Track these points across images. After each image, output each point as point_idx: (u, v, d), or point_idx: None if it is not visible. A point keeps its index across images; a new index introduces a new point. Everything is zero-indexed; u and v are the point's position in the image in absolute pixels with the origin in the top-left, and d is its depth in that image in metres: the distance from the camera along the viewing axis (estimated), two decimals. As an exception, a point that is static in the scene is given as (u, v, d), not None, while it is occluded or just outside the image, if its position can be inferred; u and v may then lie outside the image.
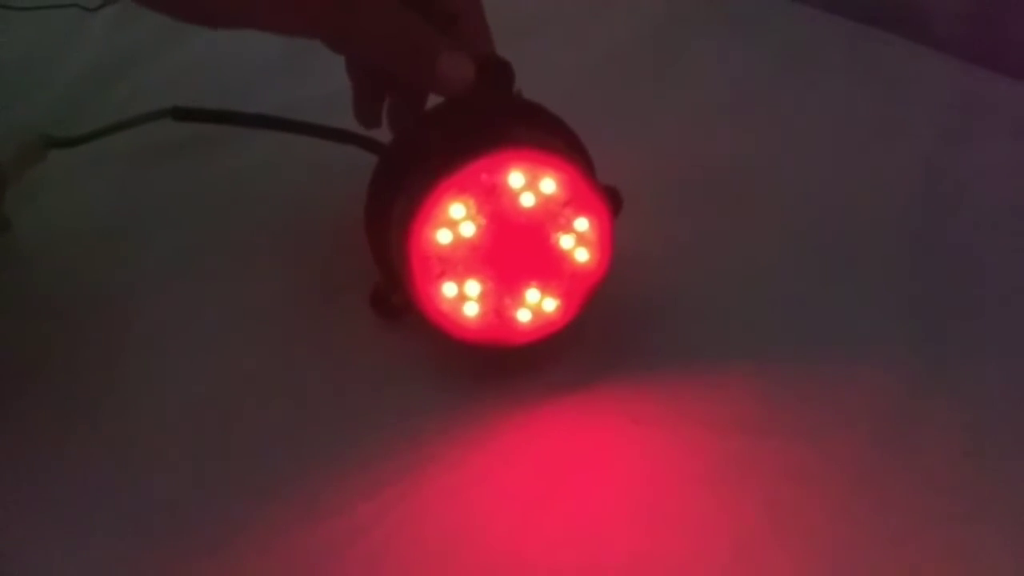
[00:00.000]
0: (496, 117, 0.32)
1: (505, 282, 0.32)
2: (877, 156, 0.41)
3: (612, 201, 0.33)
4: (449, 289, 0.32)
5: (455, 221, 0.31)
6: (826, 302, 0.35)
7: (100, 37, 0.51)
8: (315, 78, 0.43)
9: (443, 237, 0.31)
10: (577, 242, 0.32)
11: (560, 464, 0.30)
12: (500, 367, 0.33)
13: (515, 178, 0.30)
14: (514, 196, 0.31)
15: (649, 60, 0.48)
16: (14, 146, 0.39)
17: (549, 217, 0.31)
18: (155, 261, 0.39)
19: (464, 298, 0.32)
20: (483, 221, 0.31)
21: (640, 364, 0.33)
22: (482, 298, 0.32)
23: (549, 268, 0.32)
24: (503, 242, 0.31)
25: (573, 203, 0.31)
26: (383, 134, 0.39)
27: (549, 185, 0.31)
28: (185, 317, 0.36)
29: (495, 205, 0.31)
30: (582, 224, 0.32)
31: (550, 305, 0.33)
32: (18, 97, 0.36)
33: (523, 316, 0.33)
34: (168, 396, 0.33)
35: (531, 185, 0.31)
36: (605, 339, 0.34)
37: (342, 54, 0.36)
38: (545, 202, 0.31)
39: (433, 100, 0.35)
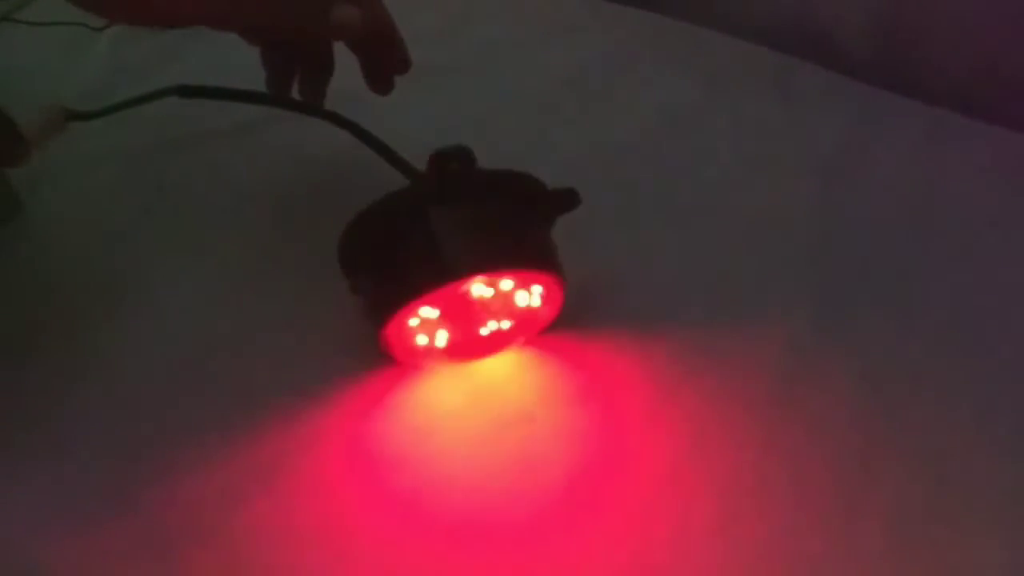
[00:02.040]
0: (456, 229, 0.33)
1: (470, 324, 0.37)
2: (786, 161, 0.46)
3: (570, 200, 0.36)
4: (421, 340, 0.37)
5: (422, 316, 0.34)
6: (739, 278, 0.41)
7: (104, 54, 0.53)
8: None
9: (412, 322, 0.35)
10: (531, 297, 0.36)
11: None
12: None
13: (476, 288, 0.34)
14: (470, 291, 0.34)
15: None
16: (37, 116, 0.40)
17: (507, 292, 0.35)
18: (154, 242, 0.42)
19: (433, 341, 0.37)
20: (444, 309, 0.35)
21: (579, 330, 0.38)
22: (450, 338, 0.37)
23: (507, 312, 0.37)
24: (466, 307, 0.36)
25: (529, 282, 0.35)
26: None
27: (507, 283, 0.34)
28: (177, 289, 0.40)
29: (456, 295, 0.34)
30: (536, 288, 0.36)
31: (506, 324, 0.38)
32: (21, 109, 0.35)
33: (485, 332, 0.38)
34: (153, 354, 0.38)
35: (491, 284, 0.34)
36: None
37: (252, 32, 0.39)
38: (502, 291, 0.35)
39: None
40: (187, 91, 0.40)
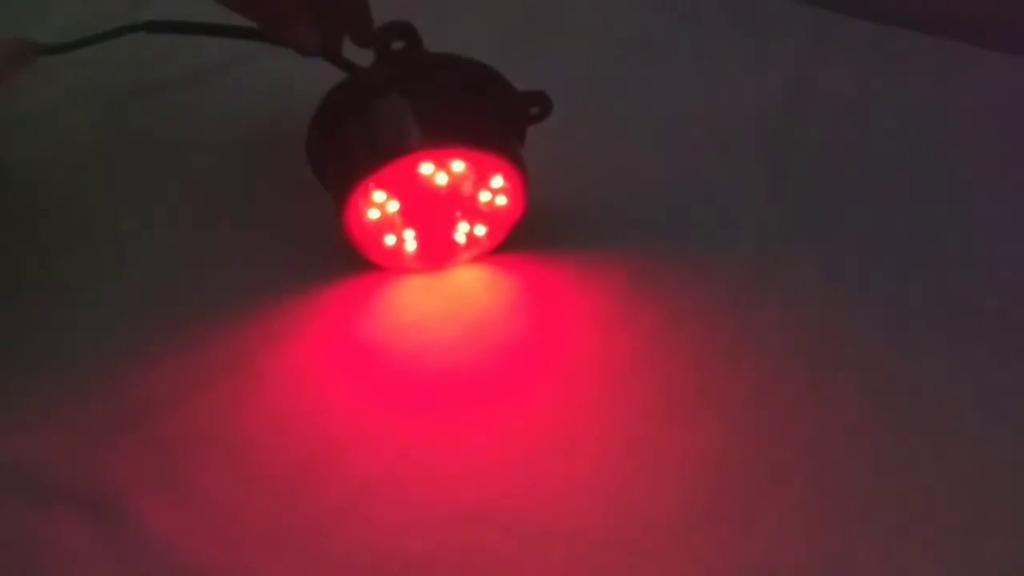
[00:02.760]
0: (403, 102, 0.34)
1: (437, 224, 0.37)
2: (745, 81, 0.47)
3: (541, 105, 0.36)
4: (389, 240, 0.37)
5: (380, 203, 0.35)
6: (706, 189, 0.42)
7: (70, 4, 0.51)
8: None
9: (372, 214, 0.36)
10: (494, 194, 0.36)
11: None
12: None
13: (425, 167, 0.34)
14: (428, 177, 0.35)
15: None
16: (3, 49, 0.40)
17: (465, 181, 0.35)
18: (128, 176, 0.43)
19: (403, 242, 0.38)
20: (404, 198, 0.35)
21: (555, 239, 0.39)
22: (419, 238, 0.38)
23: (474, 212, 0.37)
24: (429, 202, 0.36)
25: (484, 168, 0.35)
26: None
27: (459, 166, 0.34)
28: (160, 224, 0.41)
29: (412, 184, 0.35)
30: (497, 181, 0.36)
31: (480, 230, 0.38)
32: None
33: (459, 238, 0.38)
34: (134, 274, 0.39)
35: (441, 167, 0.34)
36: (523, 223, 0.38)
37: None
38: (457, 176, 0.35)
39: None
40: (155, 26, 0.42)
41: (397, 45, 0.33)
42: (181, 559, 0.30)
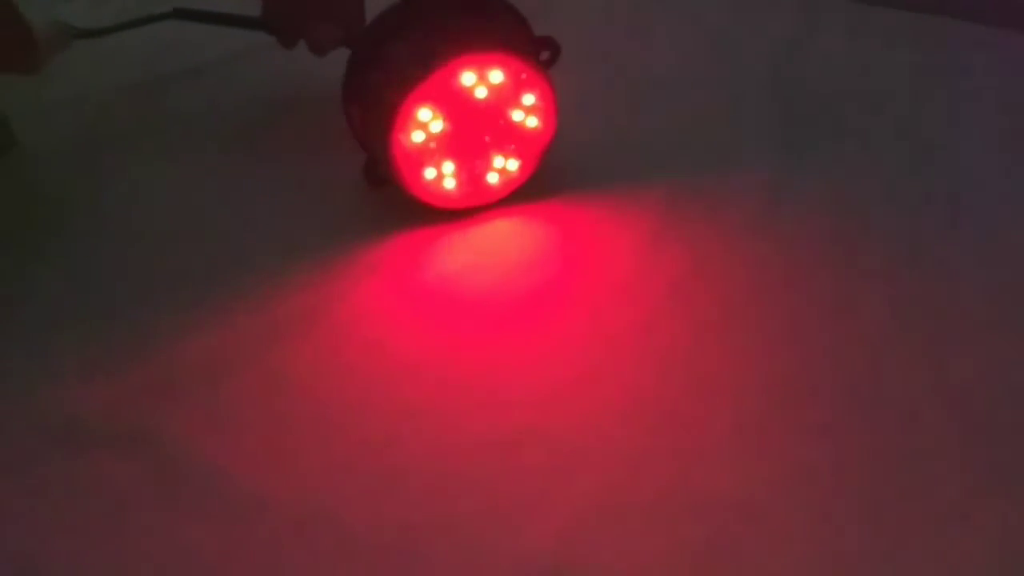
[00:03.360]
0: (444, 20, 0.36)
1: (473, 156, 0.39)
2: (741, 48, 0.52)
3: (551, 49, 0.38)
4: (429, 173, 0.38)
5: (424, 123, 0.36)
6: (716, 136, 0.45)
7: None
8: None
9: (417, 137, 0.37)
10: (526, 113, 0.38)
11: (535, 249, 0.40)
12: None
13: (467, 77, 0.36)
14: (469, 91, 0.36)
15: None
16: (43, 30, 0.41)
17: (500, 99, 0.37)
18: (159, 149, 0.45)
19: (442, 176, 0.39)
20: (447, 117, 0.37)
21: (581, 185, 0.41)
22: (457, 173, 0.39)
23: (507, 137, 0.39)
24: (466, 126, 0.38)
25: (519, 84, 0.37)
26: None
27: (497, 76, 0.36)
28: (193, 201, 0.42)
29: (455, 101, 0.37)
30: (529, 99, 0.38)
31: (513, 165, 0.40)
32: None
33: (492, 179, 0.40)
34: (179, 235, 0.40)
35: (482, 79, 0.36)
36: (555, 169, 0.41)
37: None
38: (495, 89, 0.37)
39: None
40: (182, 14, 0.44)
41: None
42: (243, 490, 0.29)
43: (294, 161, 0.43)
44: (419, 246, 0.39)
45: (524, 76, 0.37)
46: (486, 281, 0.37)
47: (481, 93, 0.37)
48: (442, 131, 0.37)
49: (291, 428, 0.32)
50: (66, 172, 0.44)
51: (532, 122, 0.38)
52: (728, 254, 0.38)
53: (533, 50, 0.38)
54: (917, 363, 0.33)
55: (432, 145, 0.37)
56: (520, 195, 0.40)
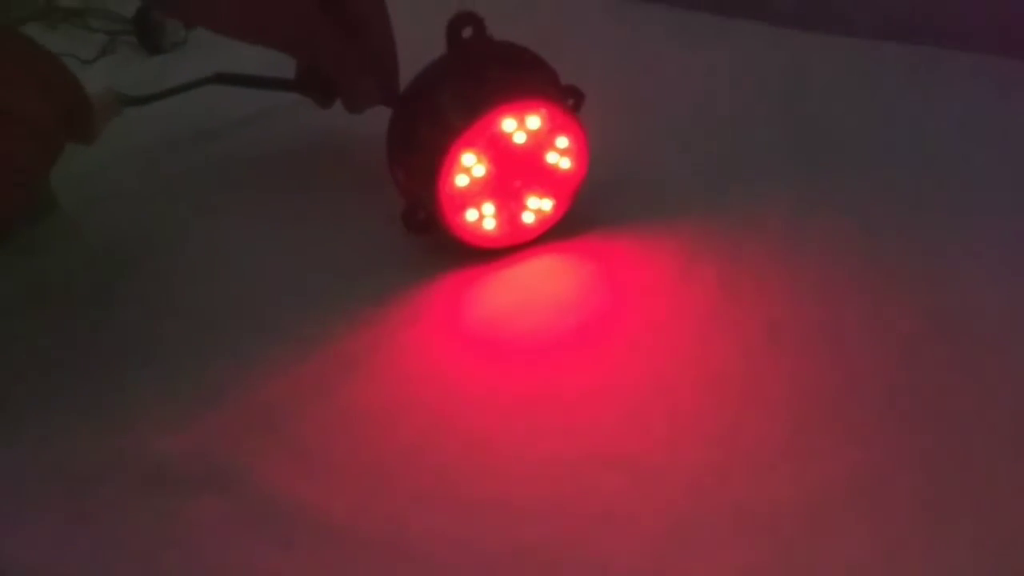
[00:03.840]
0: (484, 73, 0.39)
1: (511, 197, 0.41)
2: (748, 88, 0.55)
3: (575, 96, 0.41)
4: (471, 215, 0.41)
5: (468, 167, 0.39)
6: (732, 171, 0.47)
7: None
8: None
9: (461, 181, 0.39)
10: (560, 155, 0.41)
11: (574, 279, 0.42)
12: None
13: (508, 124, 0.39)
14: (509, 136, 0.39)
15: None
16: (95, 99, 0.43)
17: (537, 143, 0.40)
18: (205, 210, 0.47)
19: (483, 217, 0.41)
20: (489, 161, 0.39)
21: (612, 221, 0.43)
22: (497, 214, 0.41)
23: (542, 179, 0.41)
24: (505, 169, 0.40)
25: (554, 128, 0.40)
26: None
27: (534, 122, 0.39)
28: (236, 248, 0.44)
29: (495, 146, 0.39)
30: (562, 142, 0.41)
31: (547, 205, 0.42)
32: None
33: (528, 219, 0.42)
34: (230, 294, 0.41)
35: (520, 125, 0.39)
36: (586, 208, 0.43)
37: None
38: (533, 135, 0.40)
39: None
40: (223, 79, 0.47)
41: (466, 32, 0.39)
42: (331, 522, 0.31)
43: (336, 210, 0.45)
44: (462, 287, 0.41)
45: (558, 121, 0.40)
46: (530, 317, 0.39)
47: (520, 138, 0.39)
48: (484, 175, 0.40)
49: (367, 461, 0.33)
50: (114, 230, 0.46)
51: (565, 164, 0.41)
52: (759, 279, 0.40)
53: (562, 97, 0.41)
54: (951, 368, 0.34)
55: (474, 188, 0.40)
56: (553, 234, 0.43)
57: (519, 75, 0.40)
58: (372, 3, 0.44)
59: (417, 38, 0.42)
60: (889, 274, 0.39)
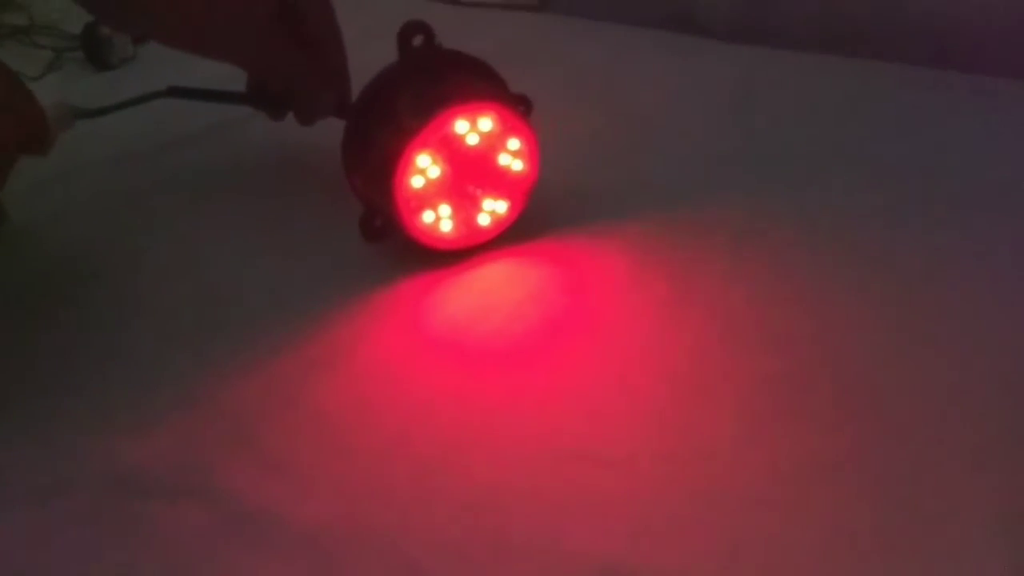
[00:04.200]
0: (436, 77, 0.40)
1: (466, 199, 0.42)
2: (696, 100, 0.56)
3: (524, 104, 0.42)
4: (427, 216, 0.41)
5: (423, 169, 0.40)
6: (683, 180, 0.48)
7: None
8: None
9: (417, 182, 0.40)
10: (512, 157, 0.42)
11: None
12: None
13: (461, 125, 0.40)
14: (462, 138, 0.40)
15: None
16: (49, 112, 0.44)
17: (489, 145, 0.41)
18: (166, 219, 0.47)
19: (439, 219, 0.42)
20: (443, 162, 0.40)
21: (566, 227, 0.44)
22: (453, 216, 0.42)
23: (495, 180, 0.42)
24: (459, 171, 0.41)
25: (505, 130, 0.41)
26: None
27: (486, 124, 0.40)
28: (195, 256, 0.44)
29: (449, 148, 0.40)
30: (514, 144, 0.42)
31: (502, 207, 0.43)
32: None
33: (483, 220, 0.43)
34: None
35: (473, 127, 0.40)
36: (540, 215, 0.44)
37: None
38: (485, 137, 0.41)
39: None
40: (176, 92, 0.48)
41: (417, 41, 0.40)
42: (304, 522, 0.31)
43: (294, 219, 0.46)
44: (424, 291, 0.41)
45: (509, 123, 0.41)
46: (492, 320, 0.40)
47: (473, 140, 0.40)
48: (439, 176, 0.41)
49: (338, 460, 0.33)
50: (71, 242, 0.46)
51: (517, 165, 0.42)
52: (709, 282, 0.41)
53: (512, 102, 0.43)
54: (892, 361, 0.36)
55: (430, 190, 0.41)
56: (509, 238, 0.44)
57: (470, 79, 0.41)
58: (323, 17, 0.45)
59: (368, 53, 0.43)
60: (835, 273, 0.41)
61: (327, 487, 0.32)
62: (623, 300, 0.40)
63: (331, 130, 0.43)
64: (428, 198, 0.41)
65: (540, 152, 0.42)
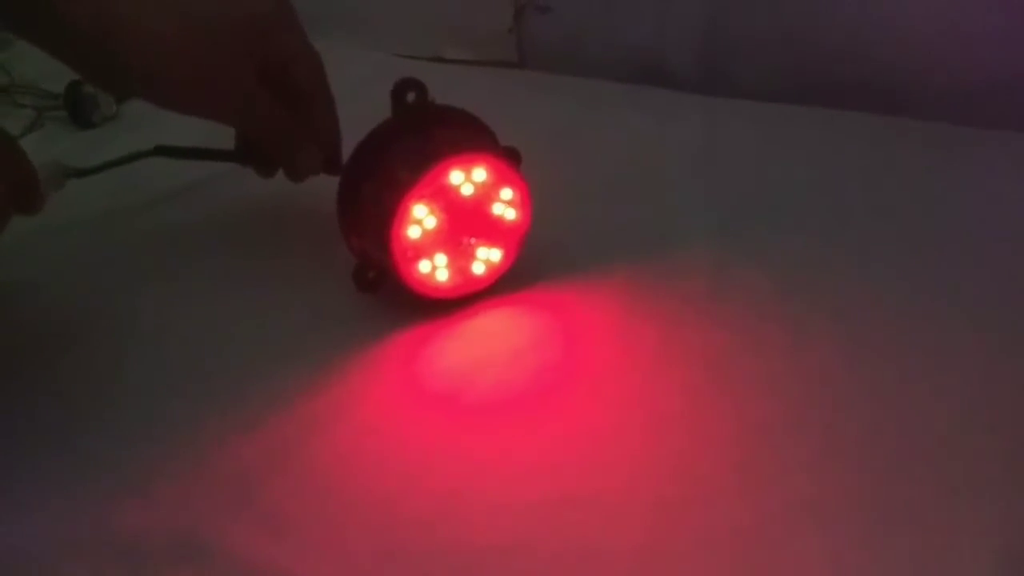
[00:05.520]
0: (429, 131, 0.41)
1: (461, 248, 0.42)
2: (660, 153, 0.58)
3: (513, 156, 0.43)
4: (424, 266, 0.42)
5: (420, 219, 0.40)
6: (656, 233, 0.49)
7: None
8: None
9: (413, 233, 0.41)
10: (506, 206, 0.43)
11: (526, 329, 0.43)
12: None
13: (455, 176, 0.40)
14: (456, 189, 0.41)
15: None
16: (40, 170, 0.42)
17: (483, 195, 0.42)
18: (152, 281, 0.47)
19: (435, 268, 0.42)
20: (439, 212, 0.41)
21: (556, 276, 0.45)
22: (448, 265, 0.42)
23: (489, 230, 0.43)
24: (454, 221, 0.42)
25: (498, 180, 0.42)
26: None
27: (480, 174, 0.41)
28: (189, 310, 0.44)
29: (445, 198, 0.41)
30: (507, 194, 0.42)
31: (496, 255, 0.44)
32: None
33: (478, 269, 0.43)
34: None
35: (467, 178, 0.41)
36: (527, 267, 0.45)
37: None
38: (479, 187, 0.41)
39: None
40: (163, 151, 0.48)
41: (410, 97, 0.41)
42: None
43: (287, 275, 0.46)
44: (418, 343, 0.41)
45: (502, 173, 0.42)
46: (487, 371, 0.40)
47: (467, 190, 0.41)
48: (435, 227, 0.41)
49: (337, 518, 0.33)
50: (59, 301, 0.45)
51: (511, 215, 0.43)
52: (693, 326, 0.42)
53: (503, 154, 0.44)
54: (874, 400, 0.37)
55: (426, 240, 0.41)
56: (501, 288, 0.44)
57: (462, 133, 0.42)
58: (313, 75, 0.46)
59: (358, 110, 0.43)
60: (807, 320, 0.41)
61: (329, 546, 0.32)
62: (615, 348, 0.41)
63: (322, 187, 0.44)
64: (424, 248, 0.41)
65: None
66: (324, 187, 0.43)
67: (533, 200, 0.43)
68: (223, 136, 0.48)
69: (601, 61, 0.70)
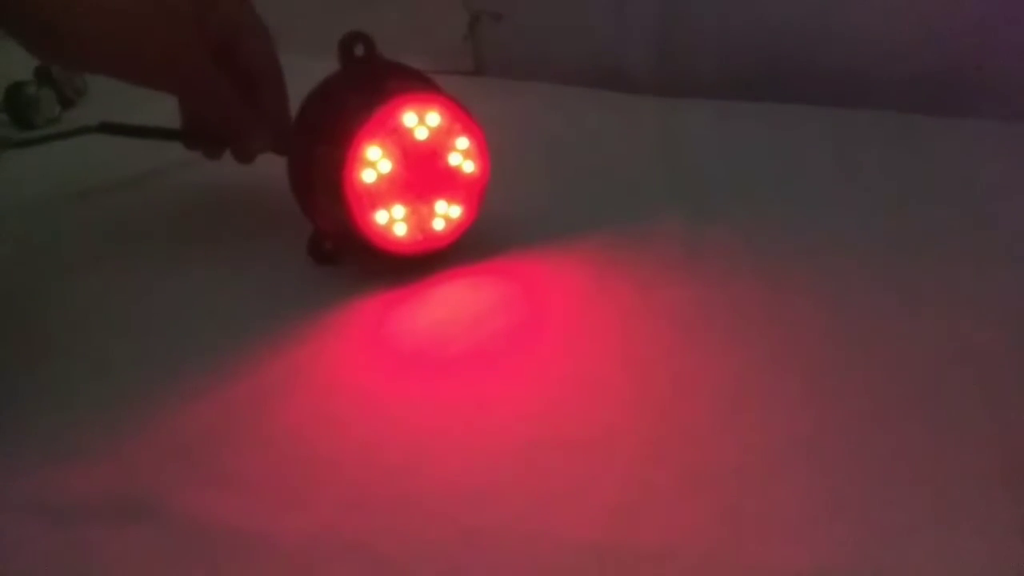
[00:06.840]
0: (380, 74, 0.40)
1: (420, 201, 0.41)
2: (623, 141, 0.59)
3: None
4: (381, 216, 0.40)
5: (374, 162, 0.39)
6: (626, 207, 0.49)
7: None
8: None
9: (368, 176, 0.39)
10: (463, 157, 0.41)
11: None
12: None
13: (409, 118, 0.39)
14: (410, 132, 0.39)
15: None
16: None
17: (438, 143, 0.40)
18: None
19: (393, 221, 0.40)
20: (393, 158, 0.39)
21: (523, 245, 0.44)
22: (407, 219, 0.41)
23: (448, 183, 0.41)
24: (410, 171, 0.40)
25: (454, 128, 0.41)
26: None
27: (434, 118, 0.40)
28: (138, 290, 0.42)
29: (398, 142, 0.39)
30: (463, 143, 0.41)
31: (455, 211, 0.42)
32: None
33: (438, 224, 0.42)
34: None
35: (421, 120, 0.39)
36: (492, 240, 0.44)
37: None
38: (434, 132, 0.40)
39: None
40: (108, 128, 0.46)
41: (358, 50, 0.40)
42: (257, 538, 0.28)
43: (243, 253, 0.44)
44: (382, 308, 0.40)
45: (458, 120, 0.40)
46: (453, 331, 0.38)
47: (422, 134, 0.40)
48: (390, 172, 0.39)
49: (295, 475, 0.31)
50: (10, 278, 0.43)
51: (469, 166, 0.42)
52: (664, 287, 0.41)
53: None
54: (854, 342, 0.36)
55: (382, 187, 0.39)
56: (466, 257, 0.42)
57: (414, 80, 0.41)
58: (264, 55, 0.45)
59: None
60: (778, 276, 0.41)
61: (287, 502, 0.29)
62: (589, 306, 0.40)
63: (272, 166, 0.43)
64: (380, 196, 0.40)
65: (488, 191, 0.42)
66: (275, 168, 0.42)
67: (499, 188, 0.42)
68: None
69: (558, 66, 0.71)
